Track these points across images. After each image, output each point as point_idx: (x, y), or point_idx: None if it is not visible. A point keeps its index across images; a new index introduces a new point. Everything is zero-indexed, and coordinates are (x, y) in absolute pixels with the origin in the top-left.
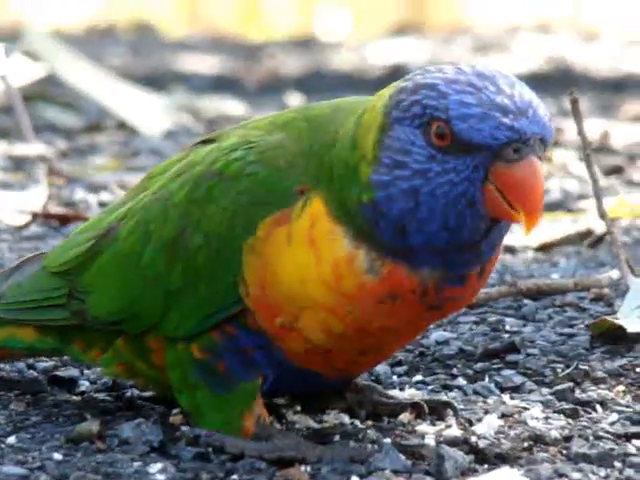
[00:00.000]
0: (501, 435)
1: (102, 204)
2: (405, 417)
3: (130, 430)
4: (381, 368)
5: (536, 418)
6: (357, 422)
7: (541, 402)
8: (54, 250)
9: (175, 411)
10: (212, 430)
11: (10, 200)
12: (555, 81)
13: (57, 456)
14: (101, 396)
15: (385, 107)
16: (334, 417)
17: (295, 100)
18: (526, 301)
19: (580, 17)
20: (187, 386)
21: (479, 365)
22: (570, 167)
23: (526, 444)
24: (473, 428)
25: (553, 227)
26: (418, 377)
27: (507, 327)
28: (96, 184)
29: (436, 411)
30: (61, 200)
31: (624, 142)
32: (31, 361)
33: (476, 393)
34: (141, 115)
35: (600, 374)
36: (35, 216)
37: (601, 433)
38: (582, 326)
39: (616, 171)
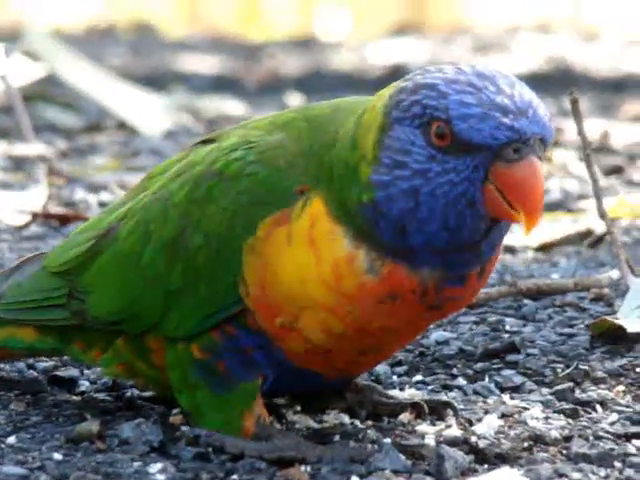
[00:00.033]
0: (501, 435)
1: (102, 204)
2: (405, 417)
3: (130, 430)
4: (381, 368)
5: (536, 418)
6: (357, 422)
7: (541, 402)
8: (54, 250)
9: (175, 411)
10: (212, 430)
11: (10, 200)
12: (555, 81)
13: (57, 456)
14: (101, 396)
15: (385, 107)
16: (334, 417)
17: (295, 100)
18: (526, 301)
19: (580, 17)
20: (187, 386)
21: (479, 365)
22: (570, 167)
23: (526, 444)
24: (473, 428)
25: (553, 227)
26: (418, 377)
27: (507, 327)
28: (96, 184)
29: (436, 411)
30: (61, 200)
31: (624, 142)
32: (31, 361)
33: (476, 393)
34: (141, 115)
35: (600, 374)
36: (35, 216)
37: (601, 433)
38: (582, 326)
39: (616, 171)
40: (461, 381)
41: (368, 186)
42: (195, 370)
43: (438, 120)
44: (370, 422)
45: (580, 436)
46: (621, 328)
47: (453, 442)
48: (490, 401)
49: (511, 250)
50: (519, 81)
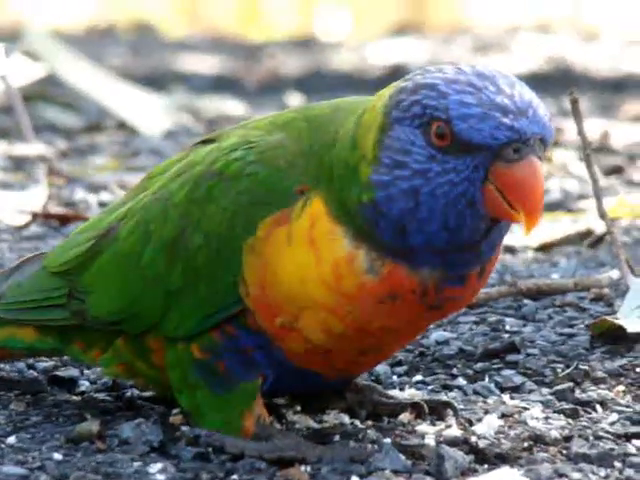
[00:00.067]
0: (501, 435)
1: (102, 204)
2: (405, 417)
3: (130, 430)
4: (381, 368)
5: (536, 418)
6: (357, 422)
7: (541, 402)
8: (54, 250)
9: (175, 411)
10: (212, 430)
11: (10, 200)
12: (555, 81)
13: (57, 456)
14: (101, 396)
15: (385, 107)
16: (334, 417)
17: (295, 100)
18: (526, 301)
19: (580, 17)
20: (187, 386)
21: (479, 365)
22: (570, 167)
23: (526, 444)
24: (473, 428)
25: (553, 227)
26: (418, 377)
27: (507, 327)
28: (96, 184)
29: (436, 411)
30: (61, 200)
31: (624, 142)
32: (31, 361)
33: (476, 393)
34: (141, 115)
35: (600, 374)
36: (35, 216)
37: (601, 433)
38: (582, 326)
39: (616, 171)
40: (461, 381)
41: (368, 186)
42: (195, 370)
43: (438, 120)
44: (370, 422)
45: (580, 436)
46: (621, 328)
47: (453, 442)
48: (490, 401)
49: (511, 250)
50: (519, 81)
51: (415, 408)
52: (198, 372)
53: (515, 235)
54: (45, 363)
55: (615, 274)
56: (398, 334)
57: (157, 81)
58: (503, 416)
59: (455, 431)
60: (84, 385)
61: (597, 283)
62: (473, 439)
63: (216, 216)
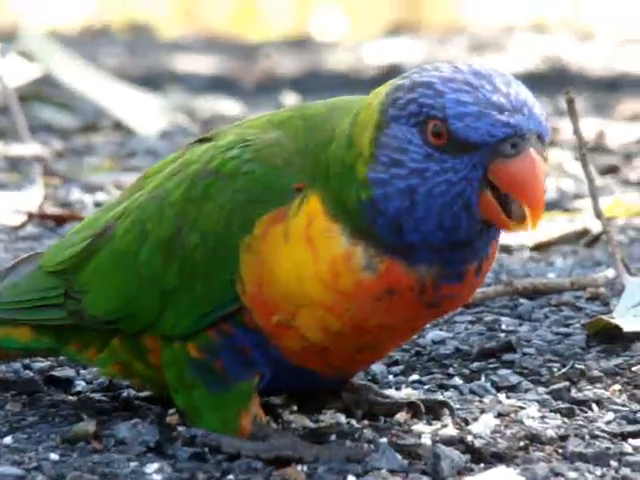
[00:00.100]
0: (497, 434)
1: (98, 204)
2: (401, 416)
3: (126, 430)
4: (377, 368)
5: (532, 417)
6: (353, 422)
7: (537, 401)
8: (50, 250)
9: (172, 411)
10: (209, 430)
11: (6, 200)
12: (551, 81)
13: (53, 456)
14: (97, 396)
15: (382, 105)
16: (330, 417)
17: (291, 100)
18: (522, 300)
19: (576, 17)
20: (183, 385)
21: (475, 364)
22: (566, 166)
23: (522, 443)
24: (469, 427)
25: (549, 226)
26: (414, 376)
27: (503, 326)
28: (92, 184)
29: (432, 410)
30: (57, 200)
31: (620, 141)
32: (27, 361)
33: (472, 392)
34: (137, 115)
35: (596, 373)
36: (31, 216)
37: (597, 432)
38: (578, 325)
39: (612, 170)
40: (457, 380)
41: (365, 184)
42: (191, 369)
43: (434, 119)
44: (366, 422)
45: (576, 435)
46: (617, 327)
47: (449, 441)
48: (486, 400)
49: (507, 249)
50: (515, 80)
51: (411, 407)
52: (194, 371)
53: (512, 234)
54: (41, 363)
55: (611, 273)
56: (395, 332)
57: (153, 81)
58: (499, 415)
59: (451, 430)
60: (80, 385)
61: (593, 282)
62: (469, 438)
63: (213, 214)
